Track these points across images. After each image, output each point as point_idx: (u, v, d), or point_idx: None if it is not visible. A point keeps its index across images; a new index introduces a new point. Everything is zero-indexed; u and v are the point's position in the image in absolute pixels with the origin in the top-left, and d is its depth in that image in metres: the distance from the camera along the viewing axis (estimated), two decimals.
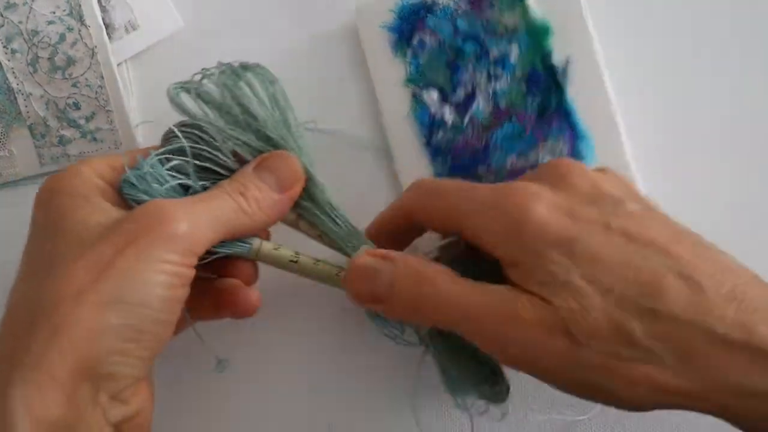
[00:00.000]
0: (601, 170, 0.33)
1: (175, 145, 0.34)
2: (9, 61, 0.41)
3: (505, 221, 0.30)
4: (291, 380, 0.41)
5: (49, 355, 0.27)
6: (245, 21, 0.44)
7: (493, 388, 0.36)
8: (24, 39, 0.40)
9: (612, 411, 0.39)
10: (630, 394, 0.28)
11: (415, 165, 0.41)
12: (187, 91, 0.36)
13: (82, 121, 0.42)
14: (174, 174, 0.34)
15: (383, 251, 0.33)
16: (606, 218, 0.29)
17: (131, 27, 0.43)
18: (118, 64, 0.43)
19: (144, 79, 0.44)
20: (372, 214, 0.38)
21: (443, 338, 0.36)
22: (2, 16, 0.40)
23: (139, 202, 0.32)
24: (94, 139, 0.42)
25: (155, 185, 0.33)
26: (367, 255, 0.33)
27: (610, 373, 0.28)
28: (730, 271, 0.28)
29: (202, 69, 0.37)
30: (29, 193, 0.43)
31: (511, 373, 0.39)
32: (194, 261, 0.30)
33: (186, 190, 0.34)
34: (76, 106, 0.41)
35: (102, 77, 0.41)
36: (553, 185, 0.31)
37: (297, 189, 0.35)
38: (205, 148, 0.35)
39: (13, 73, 0.41)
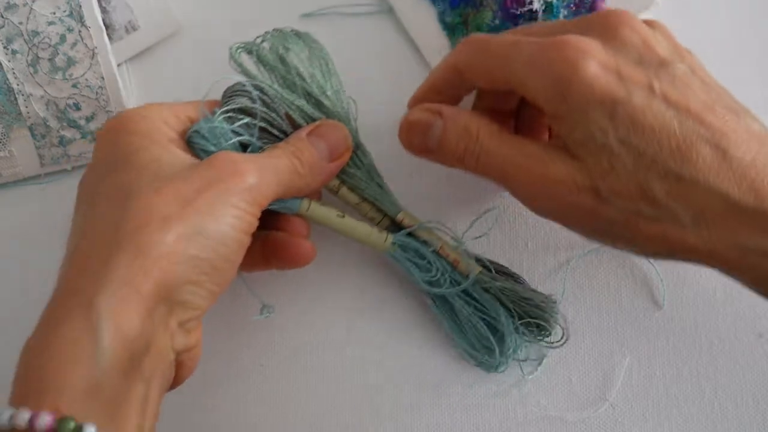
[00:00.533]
0: (651, 24, 0.33)
1: (241, 105, 0.35)
2: (9, 61, 0.41)
3: (553, 76, 0.31)
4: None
5: (134, 272, 0.28)
6: (245, 20, 0.45)
7: (554, 308, 0.39)
8: (24, 40, 0.40)
9: (612, 411, 0.39)
10: (646, 247, 0.31)
11: (417, 9, 0.43)
12: (249, 51, 0.38)
13: (82, 122, 0.42)
14: (238, 131, 0.35)
15: (436, 105, 0.35)
16: (651, 80, 0.31)
17: (131, 28, 0.43)
18: (119, 65, 0.43)
19: (144, 79, 0.44)
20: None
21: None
22: (2, 17, 0.40)
23: (205, 153, 0.34)
24: (95, 140, 0.42)
25: (221, 140, 0.34)
26: (419, 110, 0.36)
27: (631, 228, 0.31)
28: (757, 141, 0.30)
29: (264, 32, 0.38)
30: (30, 194, 0.43)
31: (516, 371, 0.40)
32: (259, 212, 0.32)
33: (244, 148, 0.35)
34: (77, 107, 0.41)
35: (102, 78, 0.41)
36: (603, 39, 0.32)
37: (345, 158, 0.37)
38: (265, 109, 0.36)
39: (14, 73, 0.41)
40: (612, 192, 0.30)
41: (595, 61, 0.30)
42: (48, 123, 0.42)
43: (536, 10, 0.39)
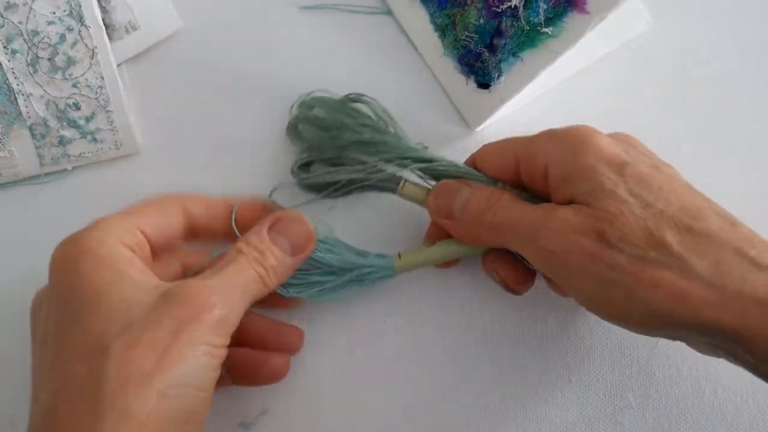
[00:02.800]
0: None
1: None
2: (9, 61, 0.41)
3: (566, 144, 0.33)
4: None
5: None
6: (244, 20, 0.45)
7: None
8: (24, 39, 0.40)
9: (611, 410, 0.39)
10: (647, 298, 0.30)
11: (412, 11, 0.43)
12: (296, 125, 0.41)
13: (82, 122, 0.42)
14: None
15: (466, 181, 0.37)
16: (655, 162, 0.33)
17: (131, 27, 0.43)
18: (118, 65, 0.43)
19: (144, 79, 0.44)
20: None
21: None
22: (2, 16, 0.40)
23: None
24: (94, 140, 0.42)
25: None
26: (452, 180, 0.37)
27: (635, 274, 0.30)
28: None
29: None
30: (29, 194, 0.43)
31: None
32: (228, 341, 0.32)
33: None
34: (76, 107, 0.41)
35: (102, 78, 0.41)
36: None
37: (308, 250, 0.36)
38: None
39: (14, 73, 0.41)
40: (619, 237, 0.30)
41: (604, 136, 0.33)
42: (48, 123, 0.42)
43: (516, 6, 0.39)
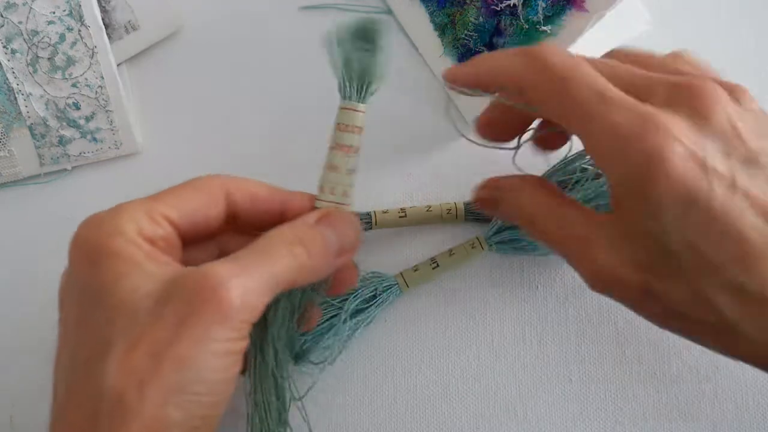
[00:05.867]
0: (736, 94, 0.31)
1: None
2: (9, 61, 0.41)
3: (635, 162, 0.28)
4: None
5: None
6: (244, 20, 0.45)
7: None
8: (24, 39, 0.40)
9: (612, 411, 0.39)
10: (693, 337, 0.30)
11: (412, 10, 0.44)
12: None
13: (82, 121, 0.42)
14: None
15: (494, 181, 0.34)
16: (734, 174, 0.28)
17: (131, 27, 0.43)
18: (118, 65, 0.43)
19: (144, 79, 0.44)
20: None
21: None
22: (2, 16, 0.40)
23: None
24: (94, 139, 0.42)
25: None
26: (481, 189, 0.34)
27: (679, 318, 0.29)
28: None
29: None
30: (29, 193, 0.43)
31: None
32: (248, 328, 0.28)
33: None
34: (76, 106, 0.42)
35: (102, 77, 0.41)
36: (693, 118, 0.29)
37: (352, 255, 0.32)
38: None
39: (13, 73, 0.41)
40: (664, 294, 0.29)
41: (682, 149, 0.28)
42: (48, 122, 0.42)
43: (515, 5, 0.39)
